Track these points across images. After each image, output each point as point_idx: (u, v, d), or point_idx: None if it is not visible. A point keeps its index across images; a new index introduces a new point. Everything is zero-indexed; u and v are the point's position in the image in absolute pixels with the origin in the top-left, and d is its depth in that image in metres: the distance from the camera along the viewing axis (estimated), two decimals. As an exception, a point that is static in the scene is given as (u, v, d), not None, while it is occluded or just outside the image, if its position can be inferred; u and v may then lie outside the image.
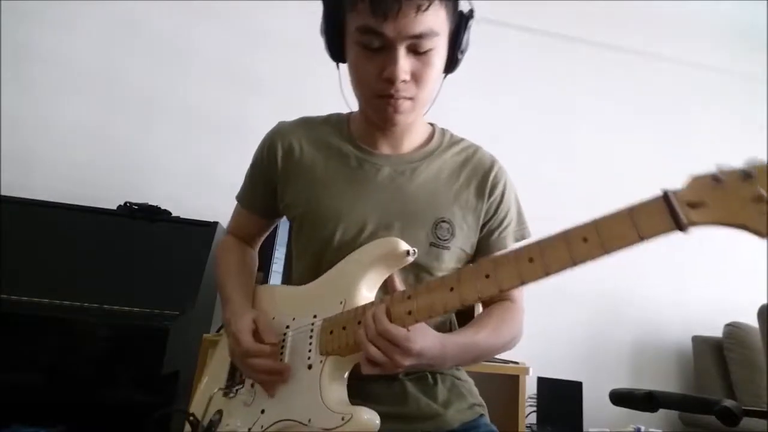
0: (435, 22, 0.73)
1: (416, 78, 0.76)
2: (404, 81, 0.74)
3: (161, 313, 1.50)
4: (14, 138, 2.13)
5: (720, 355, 2.25)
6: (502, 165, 0.92)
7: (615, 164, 2.65)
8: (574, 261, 0.56)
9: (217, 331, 1.55)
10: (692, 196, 0.52)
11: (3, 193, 1.87)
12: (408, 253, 0.73)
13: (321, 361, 0.72)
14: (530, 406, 1.93)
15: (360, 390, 0.72)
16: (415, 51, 0.74)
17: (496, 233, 0.88)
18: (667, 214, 0.52)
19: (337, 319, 0.72)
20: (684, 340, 2.44)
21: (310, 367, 0.73)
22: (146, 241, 1.81)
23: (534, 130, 2.53)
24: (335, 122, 0.93)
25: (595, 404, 1.95)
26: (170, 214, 1.92)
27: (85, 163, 2.18)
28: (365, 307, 0.70)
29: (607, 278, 2.37)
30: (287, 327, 0.80)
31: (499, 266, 0.61)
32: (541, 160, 2.45)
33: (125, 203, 1.88)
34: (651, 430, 2.01)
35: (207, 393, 0.84)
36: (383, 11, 0.69)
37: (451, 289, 0.63)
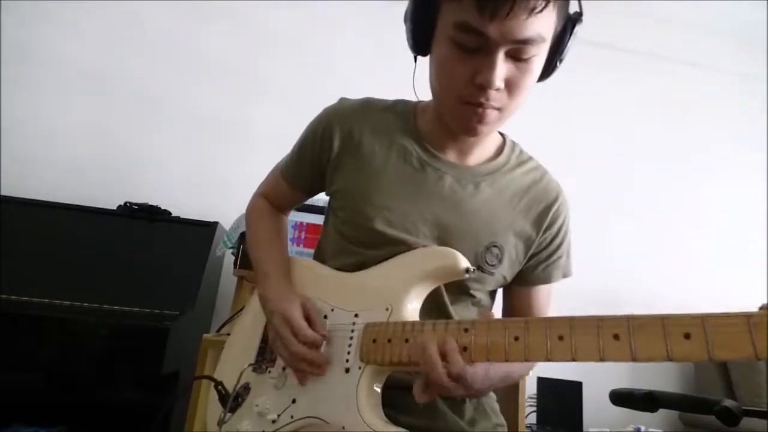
0: (545, 26, 0.64)
1: (510, 86, 0.67)
2: (497, 89, 0.66)
3: (161, 313, 1.50)
4: (14, 138, 2.13)
5: (720, 355, 2.26)
6: (566, 197, 0.87)
7: (614, 165, 2.65)
8: (670, 356, 0.48)
9: (217, 331, 1.55)
10: None
11: (3, 193, 1.87)
12: (467, 270, 0.69)
13: (360, 368, 0.69)
14: (530, 406, 1.93)
15: (389, 399, 0.69)
16: (516, 57, 0.65)
17: (543, 265, 0.84)
18: None
19: (382, 328, 0.68)
20: (684, 340, 2.44)
21: (347, 370, 0.70)
22: (146, 241, 1.81)
23: (533, 130, 2.52)
24: (401, 112, 0.85)
25: (595, 404, 1.95)
26: (170, 214, 1.92)
27: (85, 163, 2.19)
28: (414, 327, 0.66)
29: (607, 277, 2.37)
30: (325, 317, 0.76)
31: (577, 332, 0.53)
32: (539, 160, 2.45)
33: (125, 203, 1.88)
34: (651, 430, 2.01)
35: (237, 366, 0.81)
36: (492, 10, 0.60)
37: (516, 339, 0.57)
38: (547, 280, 0.85)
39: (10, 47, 2.20)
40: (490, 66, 0.64)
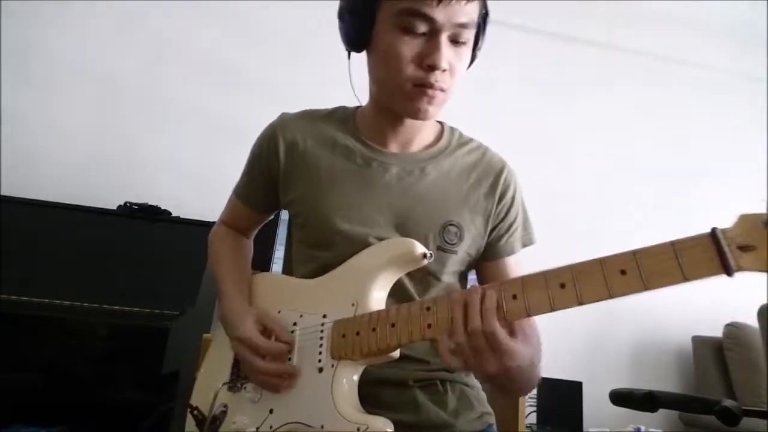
0: (475, 14, 0.73)
1: (451, 69, 0.73)
2: (444, 70, 0.72)
3: (161, 313, 1.50)
4: (14, 138, 2.13)
5: (720, 355, 2.25)
6: (512, 167, 0.89)
7: (614, 165, 2.65)
8: (611, 293, 0.52)
9: (217, 331, 1.55)
10: (742, 237, 0.47)
11: (3, 193, 1.87)
12: (424, 255, 0.71)
13: (333, 365, 0.70)
14: (530, 406, 1.93)
15: (371, 397, 0.71)
16: (455, 41, 0.72)
17: (504, 238, 0.86)
18: (714, 255, 0.47)
19: (349, 323, 0.70)
20: (684, 340, 2.44)
21: (320, 370, 0.71)
22: (146, 241, 1.81)
23: (533, 130, 2.53)
24: (341, 116, 0.89)
25: (595, 404, 1.95)
26: (170, 214, 1.92)
27: (85, 163, 2.18)
28: (380, 315, 0.67)
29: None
30: (294, 324, 0.77)
31: (528, 288, 0.57)
32: (540, 161, 2.45)
33: (125, 203, 1.88)
34: (651, 430, 2.02)
35: (211, 388, 0.82)
36: None
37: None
38: (510, 251, 0.87)
39: (10, 47, 2.20)
40: (437, 47, 0.71)
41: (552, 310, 0.55)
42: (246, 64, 2.40)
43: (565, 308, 0.54)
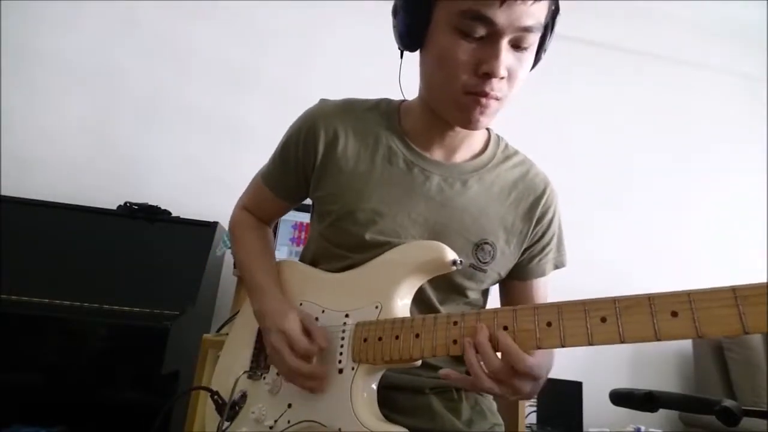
0: (541, 15, 0.66)
1: (509, 76, 0.67)
2: (501, 78, 0.66)
3: (161, 313, 1.50)
4: (14, 138, 2.13)
5: (720, 355, 2.25)
6: (554, 188, 0.86)
7: (614, 166, 2.65)
8: (659, 335, 0.47)
9: (217, 331, 1.55)
10: None
11: (3, 193, 1.87)
12: (454, 263, 0.68)
13: (353, 368, 0.68)
14: (530, 406, 1.93)
15: (387, 400, 0.70)
16: (517, 45, 0.66)
17: (537, 259, 0.84)
18: None
19: (372, 326, 0.68)
20: (684, 341, 2.44)
21: (340, 371, 0.69)
22: (146, 241, 1.81)
23: (531, 130, 2.52)
24: (384, 111, 0.84)
25: (595, 404, 1.95)
26: (170, 214, 1.93)
27: (85, 163, 2.19)
28: (404, 323, 0.66)
29: (607, 277, 2.37)
30: (316, 319, 0.76)
31: (564, 317, 0.54)
32: (538, 160, 2.44)
33: (125, 203, 1.88)
34: (651, 430, 2.01)
35: (231, 375, 0.81)
36: None
37: (506, 328, 0.57)
38: (541, 273, 0.85)
39: (9, 47, 2.20)
40: (496, 54, 0.64)
41: (590, 344, 0.51)
42: (246, 64, 2.41)
43: (604, 344, 0.50)
